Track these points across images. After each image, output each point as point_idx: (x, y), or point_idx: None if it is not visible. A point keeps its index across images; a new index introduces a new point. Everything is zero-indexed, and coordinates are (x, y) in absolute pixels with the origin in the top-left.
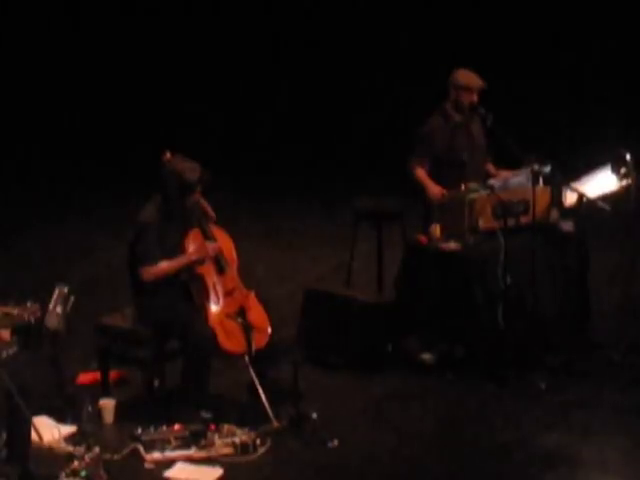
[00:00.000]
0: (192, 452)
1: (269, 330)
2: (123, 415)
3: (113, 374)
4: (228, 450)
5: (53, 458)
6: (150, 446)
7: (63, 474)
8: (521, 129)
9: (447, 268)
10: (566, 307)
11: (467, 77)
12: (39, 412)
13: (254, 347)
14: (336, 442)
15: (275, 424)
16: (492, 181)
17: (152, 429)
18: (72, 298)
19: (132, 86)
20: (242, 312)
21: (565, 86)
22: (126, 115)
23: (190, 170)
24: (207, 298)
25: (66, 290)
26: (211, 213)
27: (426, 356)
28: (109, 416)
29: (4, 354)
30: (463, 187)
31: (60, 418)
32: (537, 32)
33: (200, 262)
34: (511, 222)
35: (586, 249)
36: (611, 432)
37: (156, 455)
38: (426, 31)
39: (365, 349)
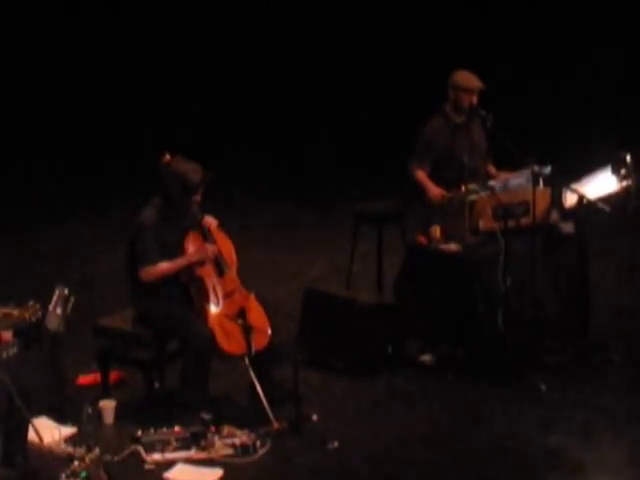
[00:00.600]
0: (192, 453)
1: (269, 331)
2: (123, 416)
3: (113, 375)
4: (228, 451)
5: (53, 459)
6: (150, 447)
7: (63, 475)
8: (521, 130)
9: (447, 269)
10: (566, 308)
11: (466, 78)
12: (39, 413)
13: (254, 348)
14: (336, 443)
15: (275, 425)
16: (492, 182)
17: (152, 430)
18: (72, 299)
19: (134, 87)
20: (242, 314)
21: (566, 87)
22: (126, 116)
23: (193, 171)
24: (207, 300)
25: (66, 291)
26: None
27: (426, 357)
28: (109, 417)
29: (4, 355)
30: (463, 188)
31: (60, 419)
32: (537, 33)
33: (200, 264)
34: (511, 223)
35: (586, 250)
36: (611, 433)
37: (156, 456)
38: (426, 31)
39: (365, 350)
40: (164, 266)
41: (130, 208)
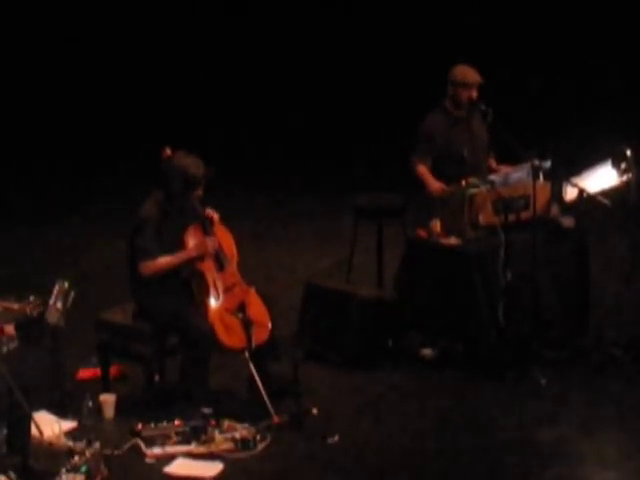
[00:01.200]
0: (192, 447)
1: (269, 326)
2: (123, 410)
3: (113, 369)
4: (228, 445)
5: (53, 453)
6: (150, 441)
7: (63, 469)
8: (522, 124)
9: (447, 263)
10: (567, 302)
11: (463, 73)
12: (39, 407)
13: (254, 343)
14: (336, 437)
15: (275, 419)
16: (493, 176)
17: (152, 424)
18: (72, 293)
19: (134, 81)
20: (242, 308)
21: (566, 81)
22: (126, 110)
23: (194, 165)
24: (207, 294)
25: (66, 285)
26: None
27: (426, 352)
28: (109, 411)
29: (5, 349)
30: (463, 182)
31: (60, 413)
32: (538, 27)
33: (200, 258)
34: (511, 217)
35: (586, 244)
36: (611, 427)
37: (156, 450)
38: (427, 25)
39: (365, 344)
40: (164, 260)
41: (130, 203)
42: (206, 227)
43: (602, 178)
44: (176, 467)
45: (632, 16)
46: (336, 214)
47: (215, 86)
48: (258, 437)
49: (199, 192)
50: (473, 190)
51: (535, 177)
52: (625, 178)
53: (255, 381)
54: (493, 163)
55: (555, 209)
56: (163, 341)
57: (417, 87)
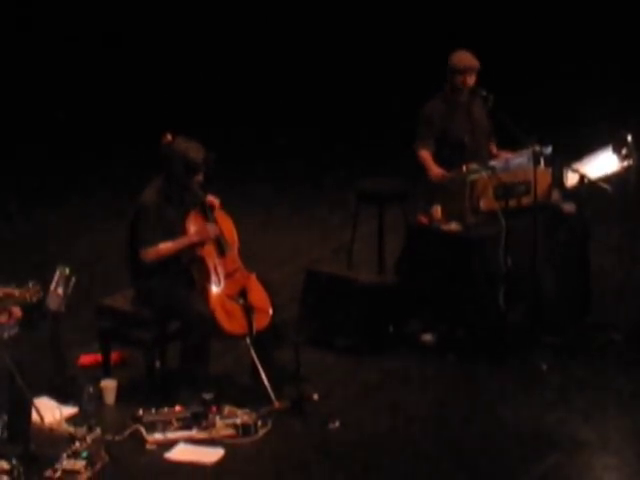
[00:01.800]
0: (193, 433)
1: (270, 311)
2: (124, 396)
3: (114, 355)
4: (229, 431)
5: (54, 439)
6: (151, 427)
7: (64, 455)
8: (522, 110)
9: (448, 249)
10: (567, 288)
11: (459, 59)
12: (40, 393)
13: (255, 329)
14: (337, 423)
15: (276, 405)
16: (493, 162)
17: (153, 410)
18: (73, 279)
19: (133, 68)
20: (243, 294)
21: (567, 67)
22: (127, 96)
23: (195, 150)
24: (208, 280)
25: (67, 271)
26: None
27: (427, 337)
28: (110, 397)
29: (5, 335)
30: (464, 168)
31: (61, 399)
32: (539, 13)
33: (201, 244)
34: (512, 203)
35: (587, 230)
36: (612, 413)
37: (157, 436)
38: (427, 12)
39: (366, 330)
40: (165, 247)
41: (131, 189)
42: (207, 213)
43: (603, 164)
44: (177, 453)
45: (633, 2)
46: (337, 200)
47: (216, 74)
48: (259, 423)
49: (199, 177)
50: (474, 176)
51: (536, 163)
52: (626, 164)
53: (256, 367)
54: (494, 149)
55: (556, 195)
56: (164, 327)
57: (419, 72)
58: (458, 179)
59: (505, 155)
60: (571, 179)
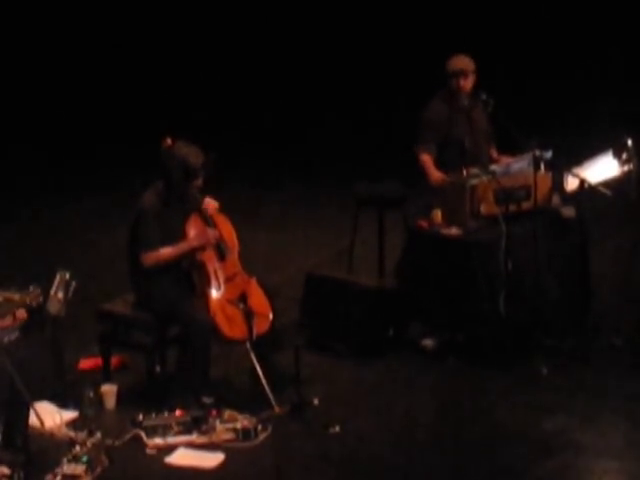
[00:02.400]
0: (193, 438)
1: (270, 316)
2: (124, 401)
3: (114, 360)
4: (229, 436)
5: (54, 443)
6: (151, 432)
7: (64, 459)
8: (523, 114)
9: (448, 254)
10: (567, 292)
11: (453, 62)
12: (40, 397)
13: (255, 333)
14: (337, 428)
15: (276, 410)
16: (494, 166)
17: (153, 415)
18: (74, 283)
19: (137, 70)
20: (243, 298)
21: (567, 71)
22: (127, 97)
23: (195, 155)
24: (208, 284)
25: (67, 275)
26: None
27: (427, 342)
28: (110, 402)
29: (6, 339)
30: (465, 173)
31: (61, 403)
32: (538, 17)
33: (201, 248)
34: (512, 208)
35: (587, 234)
36: (612, 416)
37: (157, 441)
38: (427, 16)
39: (366, 334)
40: (165, 251)
41: (131, 193)
42: (206, 217)
43: (603, 168)
44: (177, 457)
45: (634, 3)
46: (337, 203)
47: (216, 74)
48: (259, 427)
49: (199, 182)
50: (474, 180)
51: (536, 167)
52: (626, 168)
53: (256, 371)
54: (494, 153)
55: (556, 199)
56: (164, 331)
57: (419, 75)
58: (458, 183)
59: (505, 159)
60: (571, 183)
